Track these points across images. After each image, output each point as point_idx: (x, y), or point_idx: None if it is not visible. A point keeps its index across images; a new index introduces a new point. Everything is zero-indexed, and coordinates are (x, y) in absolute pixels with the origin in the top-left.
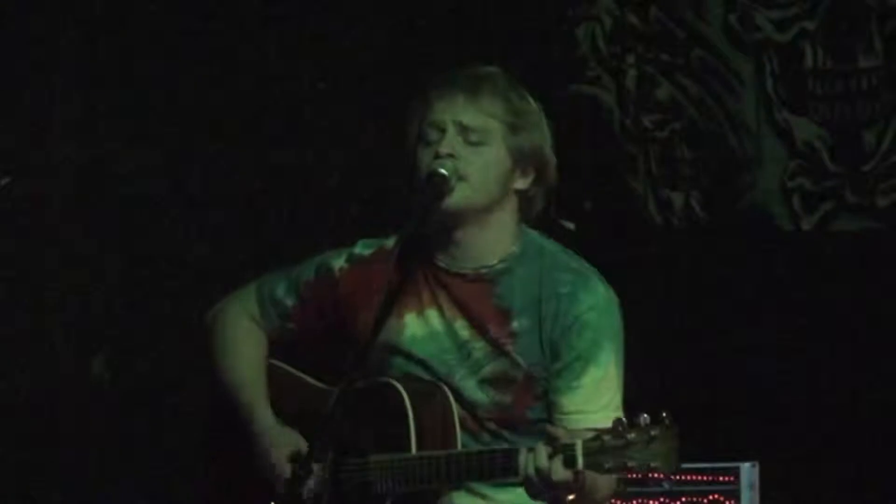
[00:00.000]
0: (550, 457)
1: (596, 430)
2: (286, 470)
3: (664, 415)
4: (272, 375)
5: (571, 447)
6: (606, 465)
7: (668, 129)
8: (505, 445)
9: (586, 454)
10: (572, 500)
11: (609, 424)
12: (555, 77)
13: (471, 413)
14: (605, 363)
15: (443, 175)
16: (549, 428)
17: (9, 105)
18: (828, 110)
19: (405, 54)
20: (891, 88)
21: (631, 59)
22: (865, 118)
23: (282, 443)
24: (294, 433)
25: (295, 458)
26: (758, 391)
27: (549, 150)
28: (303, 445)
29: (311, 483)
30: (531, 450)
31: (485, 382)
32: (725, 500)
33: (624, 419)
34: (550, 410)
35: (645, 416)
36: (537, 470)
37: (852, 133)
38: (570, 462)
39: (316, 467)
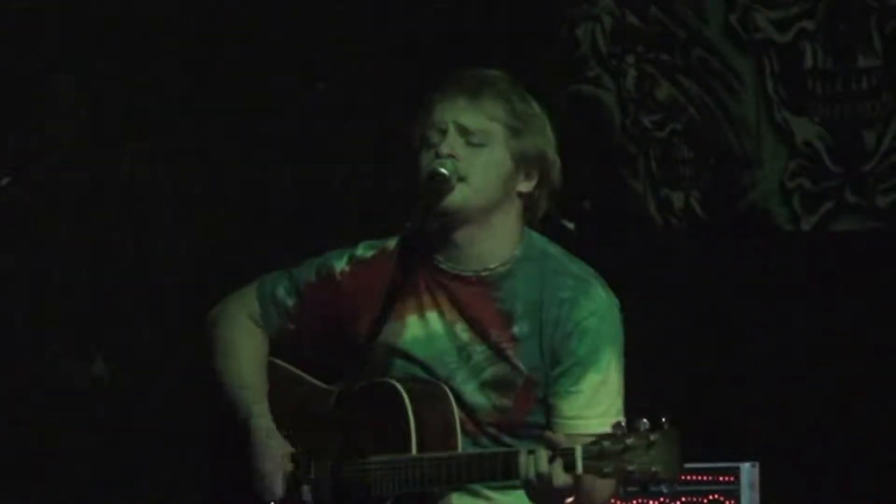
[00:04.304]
0: (550, 461)
1: (595, 435)
2: (276, 480)
3: (663, 420)
4: (273, 374)
5: (571, 451)
6: (605, 470)
7: (668, 129)
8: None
9: (586, 458)
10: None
11: (608, 430)
12: (555, 77)
13: (471, 417)
14: (605, 368)
15: (443, 174)
16: (549, 434)
17: (9, 105)
18: (828, 110)
19: (405, 54)
20: (891, 88)
21: (631, 59)
22: (865, 118)
23: (275, 454)
24: (287, 445)
25: (295, 459)
26: (758, 391)
27: (553, 154)
28: (287, 452)
29: (310, 484)
30: (531, 452)
31: (485, 386)
32: (725, 500)
33: (623, 423)
34: (550, 415)
35: (644, 420)
36: (537, 474)
37: (852, 133)
38: (569, 466)
39: (316, 468)
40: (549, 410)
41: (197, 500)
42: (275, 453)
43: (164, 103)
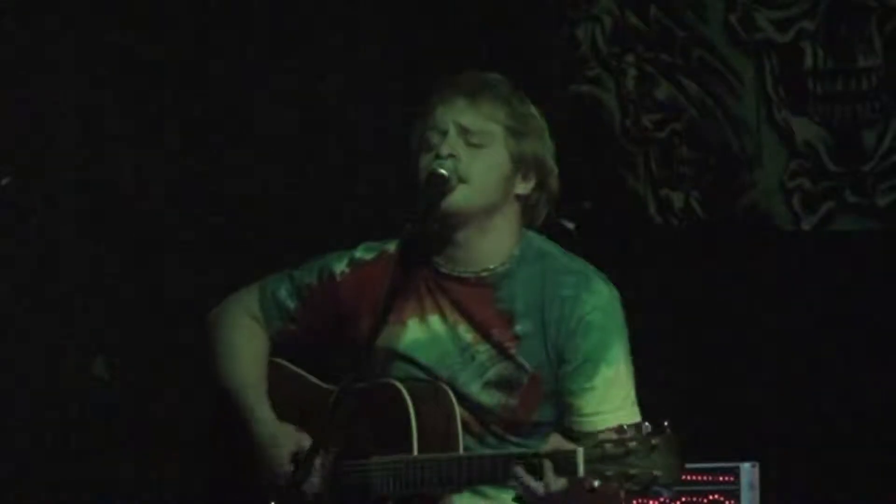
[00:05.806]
0: (553, 468)
1: (600, 430)
2: (286, 467)
3: (665, 423)
4: (275, 373)
5: (573, 455)
6: (607, 473)
7: (668, 129)
8: (510, 448)
9: (587, 461)
10: None
11: (630, 420)
12: (555, 77)
13: (476, 417)
14: (615, 361)
15: (443, 175)
16: (552, 438)
17: (9, 105)
18: (828, 110)
19: (406, 54)
20: (891, 88)
21: (631, 59)
22: (865, 118)
23: (281, 440)
24: (294, 429)
25: (296, 458)
26: (758, 391)
27: (550, 159)
28: (303, 441)
29: (311, 483)
30: (534, 456)
31: (489, 386)
32: (725, 500)
33: (625, 426)
34: (567, 414)
35: (646, 424)
36: (536, 479)
37: (852, 133)
38: (571, 470)
39: (317, 467)
40: (565, 409)
41: (197, 499)
42: (282, 439)
43: (164, 103)
